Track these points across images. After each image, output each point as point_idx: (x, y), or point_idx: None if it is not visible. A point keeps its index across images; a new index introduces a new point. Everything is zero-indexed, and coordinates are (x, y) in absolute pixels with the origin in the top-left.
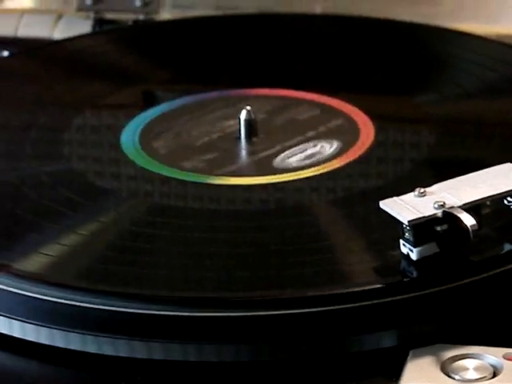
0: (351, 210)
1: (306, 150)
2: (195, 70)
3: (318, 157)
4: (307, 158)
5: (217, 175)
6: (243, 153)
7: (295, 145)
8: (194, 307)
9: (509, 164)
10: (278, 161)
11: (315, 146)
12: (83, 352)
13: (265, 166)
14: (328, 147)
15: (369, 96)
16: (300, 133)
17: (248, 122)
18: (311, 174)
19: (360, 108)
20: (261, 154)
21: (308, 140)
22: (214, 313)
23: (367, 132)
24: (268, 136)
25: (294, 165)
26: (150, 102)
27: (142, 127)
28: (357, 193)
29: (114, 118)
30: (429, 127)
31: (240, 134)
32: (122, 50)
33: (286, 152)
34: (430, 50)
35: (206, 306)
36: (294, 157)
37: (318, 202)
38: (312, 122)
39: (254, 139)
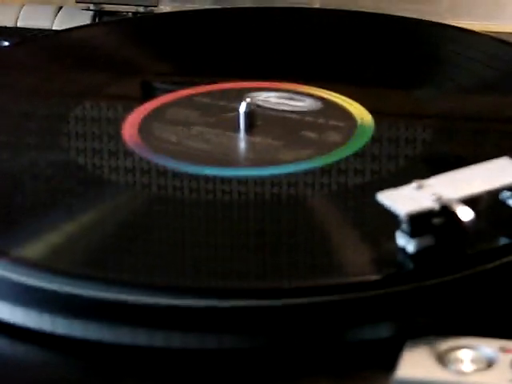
0: (349, 203)
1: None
2: (194, 62)
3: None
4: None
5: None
6: (241, 145)
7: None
8: (193, 296)
9: (506, 158)
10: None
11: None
12: (85, 340)
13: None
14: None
15: (367, 90)
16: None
17: (247, 114)
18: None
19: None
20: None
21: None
22: (213, 302)
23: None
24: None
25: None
26: (149, 93)
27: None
28: (354, 186)
29: (114, 109)
30: (426, 122)
31: (239, 126)
32: (122, 42)
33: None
34: (428, 46)
35: (205, 296)
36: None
37: (316, 194)
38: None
39: (253, 131)
